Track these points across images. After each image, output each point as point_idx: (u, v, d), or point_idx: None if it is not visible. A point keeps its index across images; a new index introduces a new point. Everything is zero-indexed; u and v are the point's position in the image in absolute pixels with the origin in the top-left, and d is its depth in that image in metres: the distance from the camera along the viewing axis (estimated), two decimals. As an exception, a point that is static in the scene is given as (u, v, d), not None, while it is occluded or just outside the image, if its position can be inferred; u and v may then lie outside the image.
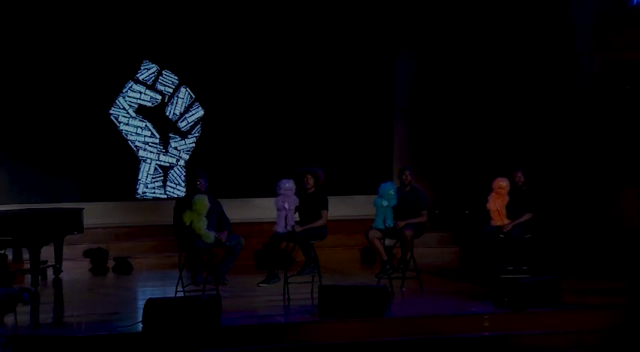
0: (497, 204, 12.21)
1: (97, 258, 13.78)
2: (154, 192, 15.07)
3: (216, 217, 11.40)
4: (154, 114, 15.07)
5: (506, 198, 12.21)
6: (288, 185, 11.39)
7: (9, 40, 14.40)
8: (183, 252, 11.30)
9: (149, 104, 15.06)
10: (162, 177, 15.09)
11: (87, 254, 13.82)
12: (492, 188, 12.25)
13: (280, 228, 11.37)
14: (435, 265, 13.42)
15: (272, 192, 11.52)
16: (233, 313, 10.15)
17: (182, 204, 11.32)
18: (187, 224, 10.99)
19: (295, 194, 11.41)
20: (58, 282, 12.75)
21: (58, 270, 12.96)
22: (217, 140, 15.18)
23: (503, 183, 12.23)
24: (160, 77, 15.08)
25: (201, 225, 11.02)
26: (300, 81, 15.40)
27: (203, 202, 11.06)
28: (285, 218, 11.34)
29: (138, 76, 14.98)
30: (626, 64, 13.54)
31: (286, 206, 11.33)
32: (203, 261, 11.44)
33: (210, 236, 11.08)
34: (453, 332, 9.89)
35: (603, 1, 13.87)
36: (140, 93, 15.01)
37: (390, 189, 11.56)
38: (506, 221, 12.20)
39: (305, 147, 15.19)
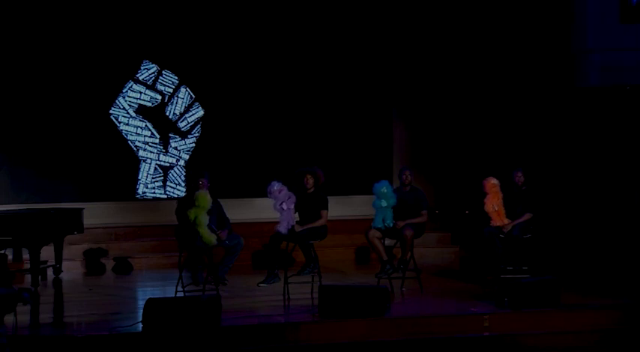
0: (494, 203, 12.14)
1: (97, 258, 13.77)
2: (154, 192, 15.07)
3: (217, 217, 11.42)
4: (154, 114, 15.07)
5: (501, 194, 12.13)
6: (276, 187, 11.35)
7: (9, 41, 14.40)
8: (183, 251, 11.31)
9: (149, 104, 15.06)
10: (162, 177, 15.09)
11: (87, 254, 13.82)
12: (485, 190, 12.17)
13: (283, 228, 11.38)
14: (435, 265, 13.42)
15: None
16: (233, 313, 10.15)
17: (184, 203, 11.33)
18: (192, 219, 10.99)
19: (289, 190, 11.39)
20: (58, 282, 12.74)
21: (58, 270, 12.96)
22: (217, 140, 15.18)
23: (493, 180, 12.14)
24: (160, 77, 15.07)
25: (205, 220, 11.02)
26: (299, 80, 15.39)
27: (205, 197, 11.09)
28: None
29: (138, 76, 14.98)
30: (626, 64, 13.55)
31: (284, 207, 11.33)
32: (203, 261, 11.45)
33: (212, 239, 11.07)
34: (453, 332, 9.88)
35: (603, 1, 13.87)
36: (140, 93, 15.00)
37: (382, 187, 11.51)
38: (506, 221, 12.17)
39: (305, 147, 15.18)
